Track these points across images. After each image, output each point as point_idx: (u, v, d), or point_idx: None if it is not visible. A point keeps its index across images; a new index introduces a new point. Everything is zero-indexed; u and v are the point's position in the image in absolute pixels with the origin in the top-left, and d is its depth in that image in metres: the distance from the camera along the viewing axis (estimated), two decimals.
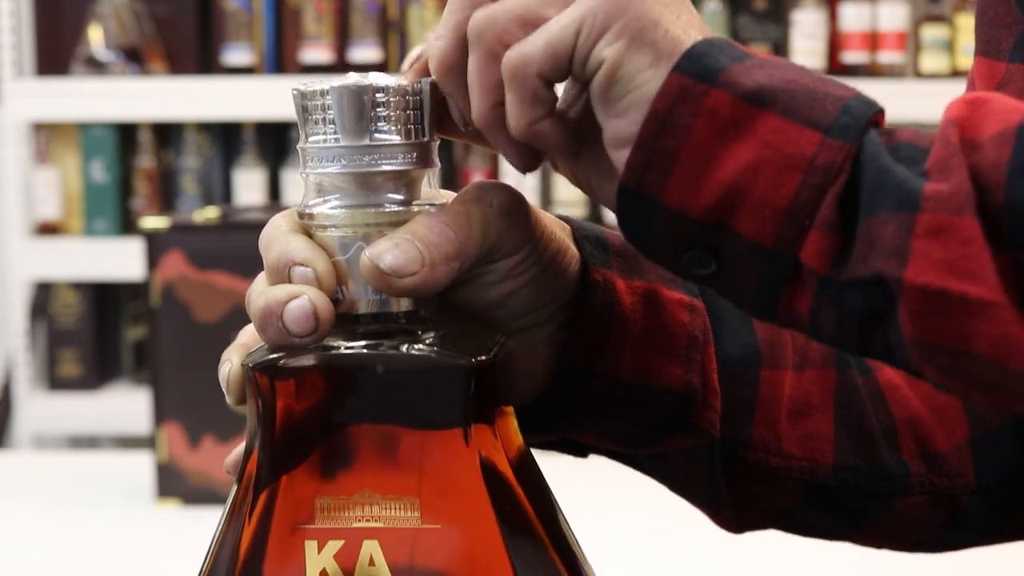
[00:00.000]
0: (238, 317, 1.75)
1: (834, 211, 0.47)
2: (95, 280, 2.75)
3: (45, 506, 1.56)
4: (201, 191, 2.81)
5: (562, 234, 0.57)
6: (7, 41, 2.69)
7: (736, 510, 0.65)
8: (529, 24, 0.50)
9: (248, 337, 0.55)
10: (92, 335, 2.78)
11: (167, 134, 2.84)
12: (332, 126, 0.52)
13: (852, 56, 2.68)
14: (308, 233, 0.54)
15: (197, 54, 2.82)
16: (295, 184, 2.77)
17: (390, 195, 0.53)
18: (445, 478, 0.50)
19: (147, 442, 1.59)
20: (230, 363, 0.55)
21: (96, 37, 2.74)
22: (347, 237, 0.53)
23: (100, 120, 2.74)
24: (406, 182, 0.53)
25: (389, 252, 0.51)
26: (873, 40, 2.68)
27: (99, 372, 2.80)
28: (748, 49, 0.51)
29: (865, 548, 0.69)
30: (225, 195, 2.82)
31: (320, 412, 0.52)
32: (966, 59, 2.63)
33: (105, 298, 2.84)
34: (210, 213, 1.62)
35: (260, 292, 0.53)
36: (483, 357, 0.51)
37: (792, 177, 0.47)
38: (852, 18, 2.68)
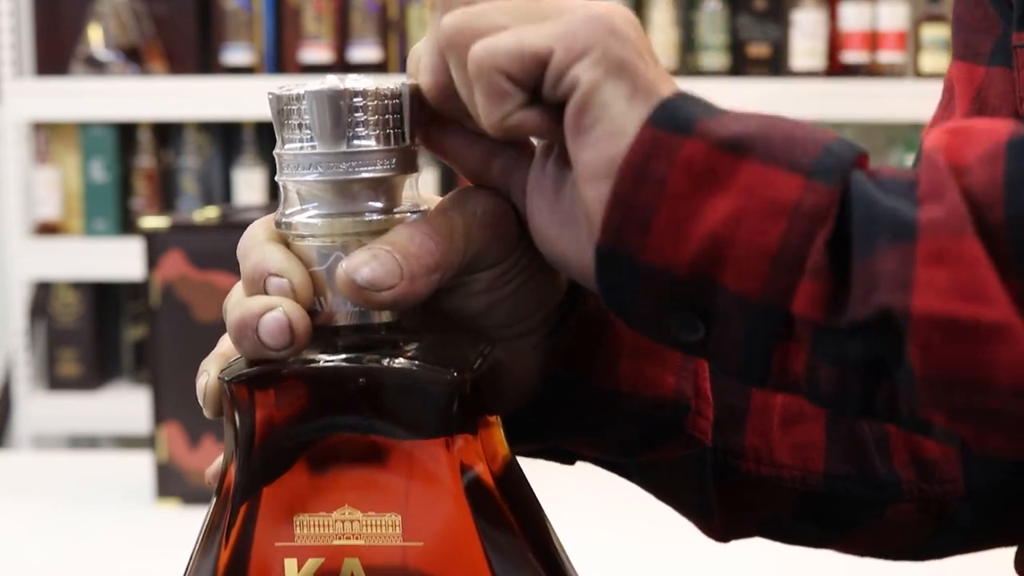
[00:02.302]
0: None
1: (824, 256, 0.45)
2: (95, 280, 2.75)
3: (45, 506, 1.56)
4: (201, 191, 2.81)
5: None
6: (7, 41, 2.69)
7: (725, 519, 0.64)
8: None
9: (226, 347, 0.54)
10: (92, 335, 2.78)
11: (167, 134, 2.84)
12: (308, 132, 0.50)
13: (852, 56, 2.68)
14: (286, 242, 0.52)
15: (197, 54, 2.82)
16: None
17: (370, 203, 0.51)
18: (427, 493, 0.49)
19: (147, 442, 1.59)
20: (207, 375, 0.53)
21: (96, 37, 2.74)
22: (325, 247, 0.51)
23: (100, 120, 2.74)
24: (386, 189, 0.51)
25: (366, 265, 0.49)
26: (873, 40, 2.68)
27: (99, 372, 2.80)
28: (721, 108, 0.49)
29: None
30: (225, 195, 2.82)
31: (300, 423, 0.50)
32: None
33: (105, 298, 2.84)
34: (210, 213, 1.62)
35: (236, 303, 0.51)
36: (466, 370, 0.50)
37: (777, 224, 0.45)
38: (852, 18, 2.68)
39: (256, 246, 0.52)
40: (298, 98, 0.50)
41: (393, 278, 0.50)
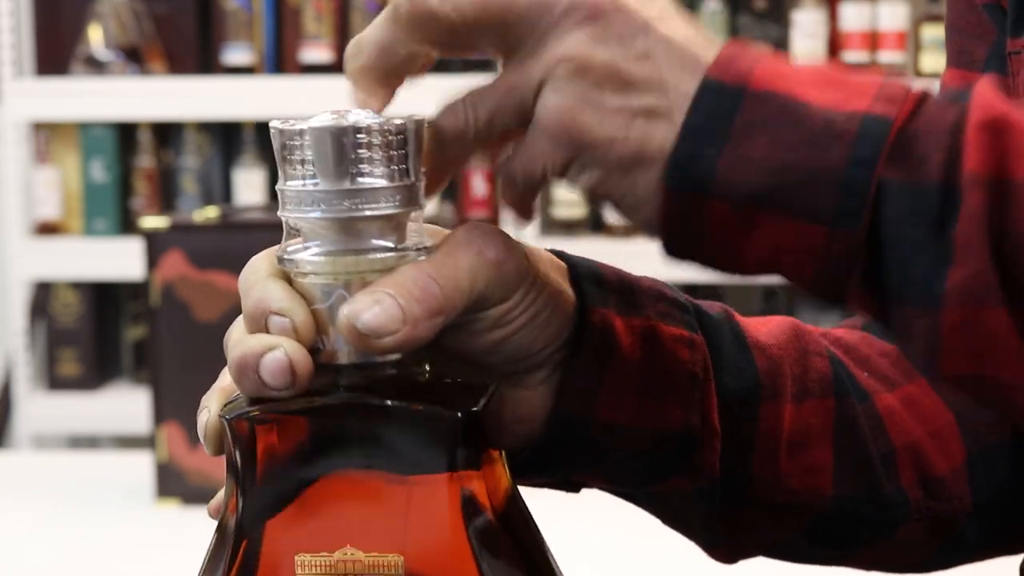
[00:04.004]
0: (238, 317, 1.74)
1: (861, 290, 0.48)
2: (95, 280, 2.75)
3: (45, 506, 1.56)
4: (201, 191, 2.81)
5: (556, 275, 0.55)
6: (7, 41, 2.69)
7: (732, 543, 0.64)
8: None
9: (227, 381, 0.53)
10: (92, 335, 2.78)
11: (167, 134, 2.84)
12: (311, 168, 0.49)
13: (852, 56, 2.68)
14: (288, 278, 0.51)
15: (197, 54, 2.82)
16: None
17: (373, 241, 0.50)
18: (429, 533, 0.49)
19: (147, 442, 1.59)
20: (208, 411, 0.52)
21: (96, 37, 2.74)
22: (328, 285, 0.50)
23: (100, 120, 2.74)
24: (391, 226, 0.50)
25: (367, 310, 0.49)
26: (873, 40, 2.68)
27: (99, 372, 2.80)
28: (744, 59, 0.48)
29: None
30: (225, 195, 2.82)
31: (302, 462, 0.50)
32: None
33: (105, 298, 2.84)
34: (210, 213, 1.62)
35: (237, 341, 0.50)
36: (468, 409, 0.49)
37: (811, 265, 0.48)
38: (852, 18, 2.68)
39: (258, 282, 0.51)
40: (300, 134, 0.49)
41: (395, 323, 0.49)
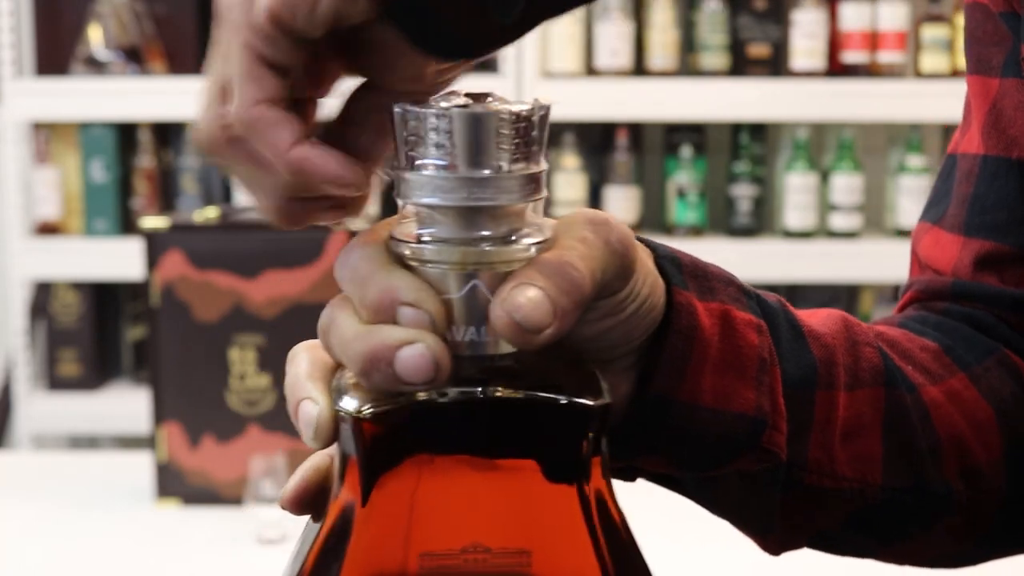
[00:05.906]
0: (238, 317, 1.75)
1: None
2: (95, 280, 2.76)
3: (45, 506, 1.56)
4: (201, 191, 2.82)
5: (650, 261, 0.55)
6: (7, 41, 2.69)
7: (782, 532, 0.64)
8: None
9: (307, 364, 0.50)
10: (92, 335, 2.79)
11: (167, 134, 2.85)
12: (449, 154, 0.47)
13: (852, 56, 2.68)
14: (405, 265, 0.48)
15: (197, 54, 2.82)
16: None
17: (500, 229, 0.48)
18: (558, 527, 0.47)
19: (147, 442, 1.59)
20: (315, 403, 0.49)
21: (96, 37, 2.74)
22: (456, 274, 0.48)
23: (100, 120, 2.74)
24: (517, 213, 0.48)
25: (524, 304, 0.47)
26: (873, 40, 2.68)
27: (99, 372, 2.80)
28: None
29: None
30: (225, 195, 2.82)
31: (422, 451, 0.48)
32: None
33: (105, 298, 2.84)
34: (210, 213, 1.62)
35: (359, 333, 0.47)
36: (603, 400, 0.48)
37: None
38: (852, 18, 2.68)
39: (379, 270, 0.48)
40: (438, 116, 0.47)
41: (549, 317, 0.47)
